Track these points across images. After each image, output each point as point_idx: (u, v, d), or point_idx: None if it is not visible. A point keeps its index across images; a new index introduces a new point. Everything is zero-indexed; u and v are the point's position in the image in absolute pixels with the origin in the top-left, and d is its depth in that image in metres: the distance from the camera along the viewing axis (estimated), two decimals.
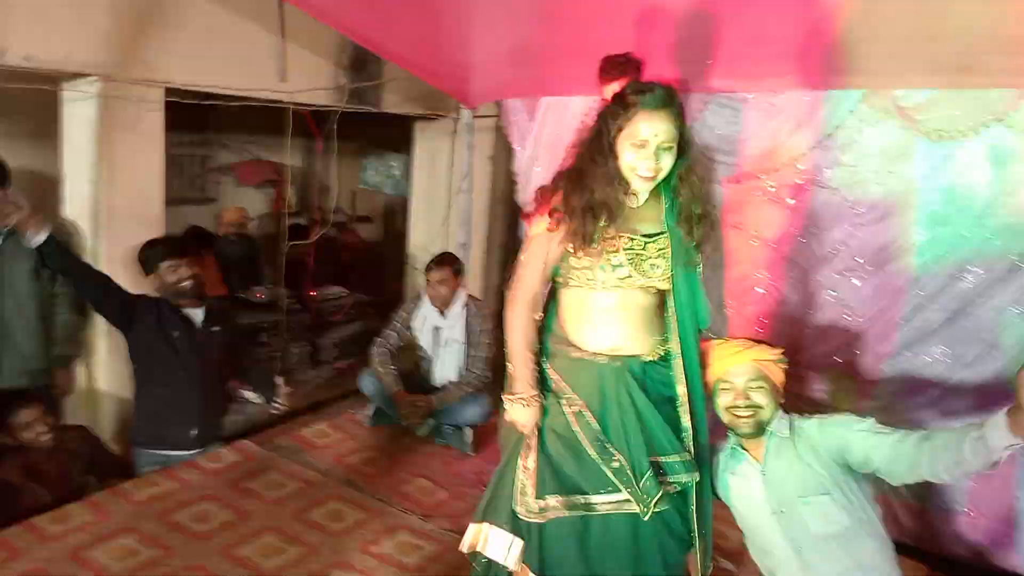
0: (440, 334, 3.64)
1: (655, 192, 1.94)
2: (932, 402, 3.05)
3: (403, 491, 3.08)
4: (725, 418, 1.95)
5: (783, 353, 2.03)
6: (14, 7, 2.76)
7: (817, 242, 3.34)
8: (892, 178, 3.13)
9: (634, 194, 1.91)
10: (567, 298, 2.01)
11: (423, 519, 2.84)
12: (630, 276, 1.91)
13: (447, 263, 3.67)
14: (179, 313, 3.09)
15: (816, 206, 3.33)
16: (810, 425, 1.89)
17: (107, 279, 3.01)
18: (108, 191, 3.24)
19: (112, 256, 3.27)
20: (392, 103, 4.40)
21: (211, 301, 3.24)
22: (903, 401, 3.13)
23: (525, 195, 4.35)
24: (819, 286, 3.37)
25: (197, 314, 3.13)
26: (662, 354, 1.98)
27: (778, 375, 1.95)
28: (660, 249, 1.92)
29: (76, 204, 3.29)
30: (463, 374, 3.63)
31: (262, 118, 3.94)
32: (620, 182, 1.88)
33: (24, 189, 3.09)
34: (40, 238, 2.79)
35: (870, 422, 1.80)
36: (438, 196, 5.02)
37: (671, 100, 1.84)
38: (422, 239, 5.14)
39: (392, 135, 6.02)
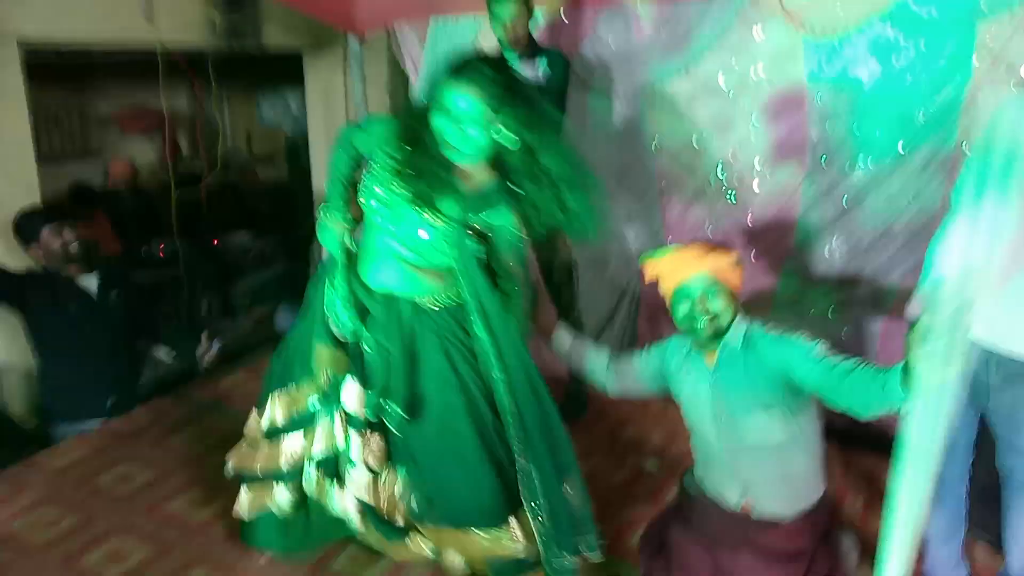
0: None
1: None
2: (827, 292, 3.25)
3: None
4: (683, 326, 1.93)
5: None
6: None
7: (716, 146, 3.43)
8: (781, 78, 3.22)
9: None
10: None
11: None
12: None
13: None
14: (72, 284, 2.94)
15: (712, 111, 3.40)
16: (763, 340, 1.87)
17: None
18: None
19: None
20: (273, 37, 4.20)
21: (105, 265, 3.10)
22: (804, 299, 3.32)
23: None
24: (719, 193, 3.48)
25: (91, 281, 2.99)
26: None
27: (735, 280, 1.93)
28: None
29: None
30: None
31: (140, 62, 3.70)
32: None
33: None
34: None
35: (817, 347, 1.79)
36: (336, 131, 4.87)
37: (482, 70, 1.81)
38: (324, 178, 5.01)
39: (286, 69, 5.77)
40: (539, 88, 2.94)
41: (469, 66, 1.82)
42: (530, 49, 2.97)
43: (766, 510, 1.89)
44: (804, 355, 1.78)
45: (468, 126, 1.82)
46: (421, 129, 1.89)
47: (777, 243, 3.38)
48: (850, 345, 3.12)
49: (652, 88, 3.51)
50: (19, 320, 2.96)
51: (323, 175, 4.95)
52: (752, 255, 3.41)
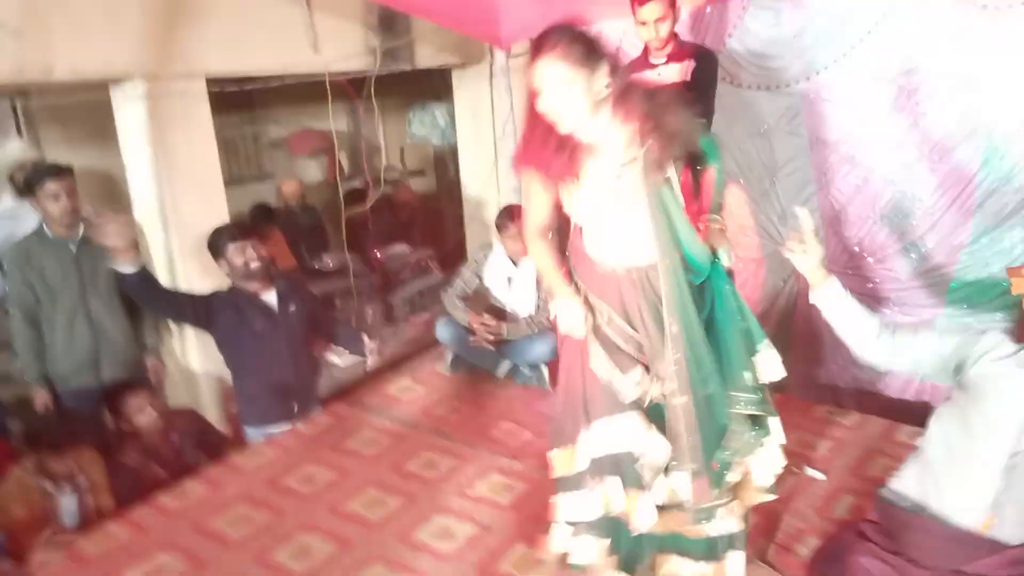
0: (513, 283, 3.72)
1: None
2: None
3: (490, 435, 3.20)
4: None
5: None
6: (54, 25, 2.86)
7: (879, 136, 3.24)
8: (950, 60, 2.99)
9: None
10: None
11: (512, 459, 2.96)
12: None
13: (519, 216, 3.70)
14: (255, 300, 3.19)
15: (874, 99, 3.21)
16: None
17: (178, 299, 3.15)
18: (170, 186, 3.37)
19: (183, 248, 3.43)
20: (425, 57, 4.39)
21: (281, 279, 3.35)
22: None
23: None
24: (884, 181, 3.29)
25: (271, 296, 3.23)
26: None
27: None
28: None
29: (143, 204, 3.45)
30: (534, 315, 3.71)
31: (305, 88, 4.00)
32: None
33: (92, 191, 3.25)
34: (127, 270, 2.87)
35: None
36: (484, 143, 5.02)
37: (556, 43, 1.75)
38: (475, 187, 5.18)
39: (433, 85, 6.02)
40: (687, 86, 2.91)
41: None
42: (677, 49, 2.94)
43: (1004, 532, 1.75)
44: None
45: None
46: None
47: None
48: None
49: (807, 79, 3.37)
50: (210, 336, 3.27)
51: (472, 184, 5.16)
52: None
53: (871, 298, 3.33)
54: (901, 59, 3.11)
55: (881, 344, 1.96)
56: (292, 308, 3.26)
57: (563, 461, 2.07)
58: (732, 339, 1.96)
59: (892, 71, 3.14)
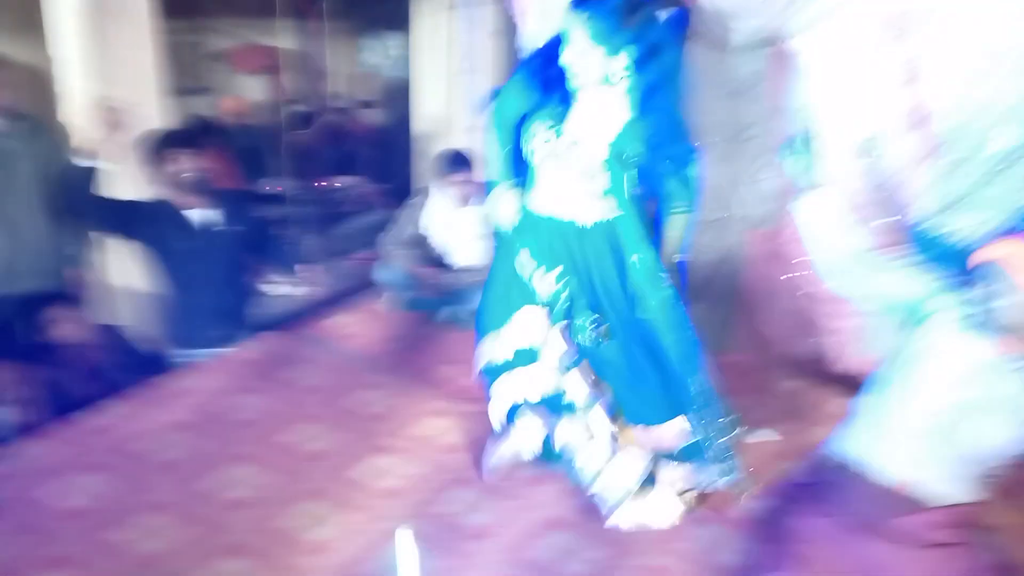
0: (453, 230, 3.63)
1: None
2: None
3: (429, 376, 3.15)
4: None
5: None
6: None
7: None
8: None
9: None
10: None
11: (449, 402, 2.91)
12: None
13: (467, 165, 3.61)
14: (185, 215, 3.02)
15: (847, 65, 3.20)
16: None
17: (109, 204, 2.98)
18: (102, 85, 3.13)
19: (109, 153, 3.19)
20: None
21: (222, 197, 3.18)
22: None
23: None
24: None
25: (204, 213, 3.07)
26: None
27: None
28: None
29: (71, 103, 3.19)
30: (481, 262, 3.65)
31: (248, 2, 3.75)
32: None
33: (14, 83, 2.98)
34: (84, 163, 2.79)
35: None
36: (439, 77, 4.86)
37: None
38: (427, 123, 5.02)
39: (387, 12, 5.76)
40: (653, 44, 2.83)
41: None
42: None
43: (927, 491, 1.74)
44: None
45: None
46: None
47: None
48: None
49: (779, 40, 3.34)
50: (135, 249, 3.08)
51: (424, 120, 5.00)
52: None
53: None
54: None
55: (854, 266, 2.00)
56: (227, 227, 3.10)
57: (491, 348, 2.34)
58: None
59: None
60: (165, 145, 2.99)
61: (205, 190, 3.07)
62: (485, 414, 2.46)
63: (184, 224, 3.01)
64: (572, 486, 2.35)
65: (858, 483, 1.86)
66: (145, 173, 3.03)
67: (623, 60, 2.04)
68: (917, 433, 1.78)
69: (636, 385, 2.21)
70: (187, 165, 2.97)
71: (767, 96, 3.46)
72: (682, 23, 2.87)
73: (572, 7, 2.02)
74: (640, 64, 2.05)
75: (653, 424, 2.24)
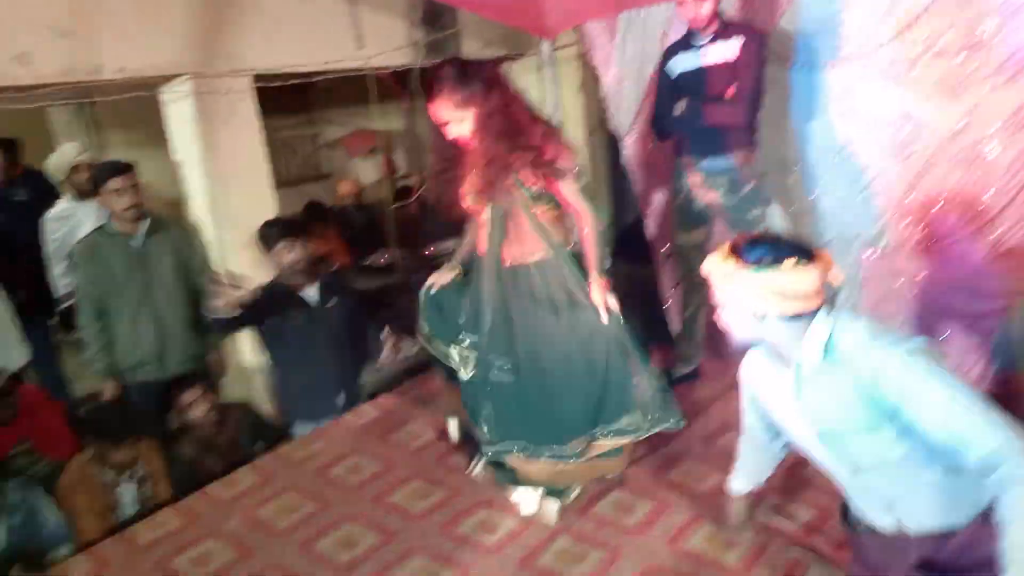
0: None
1: None
2: None
3: None
4: None
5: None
6: (101, 26, 2.97)
7: (943, 116, 3.06)
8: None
9: None
10: None
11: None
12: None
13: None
14: (295, 295, 3.22)
15: (939, 76, 3.04)
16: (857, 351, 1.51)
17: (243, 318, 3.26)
18: (220, 183, 3.46)
19: (233, 242, 3.52)
20: (472, 50, 4.39)
21: (327, 276, 3.38)
22: None
23: (617, 122, 4.24)
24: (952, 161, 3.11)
25: (312, 291, 3.26)
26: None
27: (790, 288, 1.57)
28: None
29: (196, 202, 3.54)
30: None
31: (358, 88, 4.04)
32: None
33: (154, 191, 3.36)
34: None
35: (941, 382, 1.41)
36: None
37: (438, 85, 2.23)
38: None
39: None
40: (732, 68, 2.81)
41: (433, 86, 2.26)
42: (721, 29, 2.85)
43: (916, 524, 1.58)
44: (921, 393, 1.41)
45: None
46: None
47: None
48: None
49: (861, 58, 3.21)
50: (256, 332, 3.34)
51: None
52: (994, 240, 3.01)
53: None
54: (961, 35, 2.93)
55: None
56: (333, 303, 3.29)
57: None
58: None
59: (952, 48, 2.96)
60: (279, 235, 3.23)
61: (318, 272, 3.29)
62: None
63: (294, 304, 3.22)
64: None
65: (864, 540, 1.75)
66: (265, 260, 3.31)
67: None
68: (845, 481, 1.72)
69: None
70: (300, 252, 3.20)
71: (861, 112, 3.32)
72: (757, 45, 2.84)
73: None
74: None
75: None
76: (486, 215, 2.41)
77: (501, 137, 2.24)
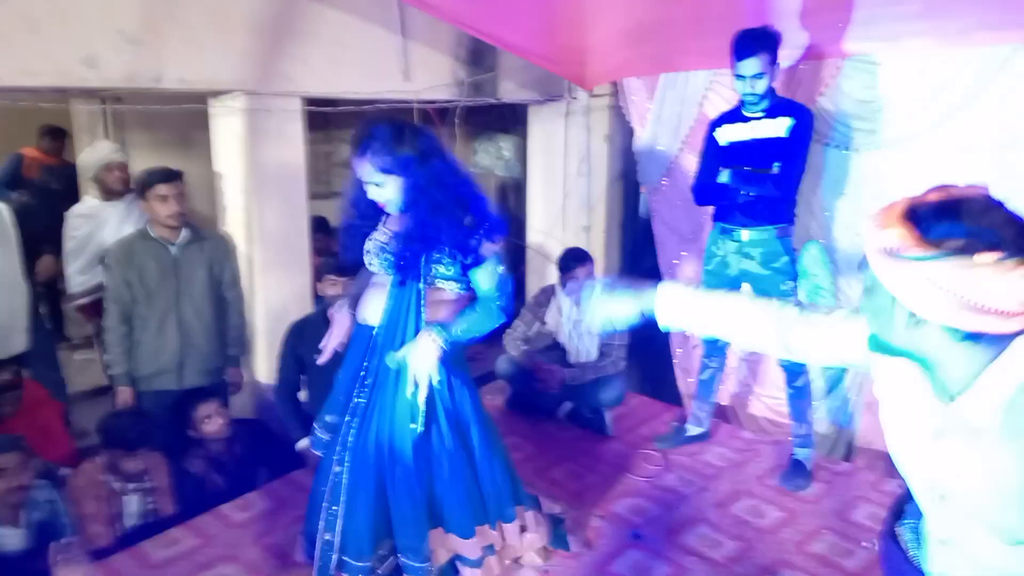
0: (578, 324, 3.70)
1: None
2: None
3: (549, 476, 3.18)
4: None
5: None
6: (167, 36, 2.99)
7: None
8: None
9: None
10: None
11: (570, 507, 2.89)
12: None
13: (588, 259, 3.71)
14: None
15: (972, 169, 3.15)
16: None
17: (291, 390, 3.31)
18: (258, 199, 3.46)
19: (264, 259, 3.51)
20: (509, 91, 4.45)
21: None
22: None
23: (645, 175, 4.33)
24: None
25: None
26: None
27: None
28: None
29: (231, 215, 3.53)
30: (599, 358, 3.68)
31: (384, 112, 4.08)
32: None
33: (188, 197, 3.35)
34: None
35: None
36: (555, 179, 5.05)
37: (369, 144, 2.06)
38: (541, 222, 5.19)
39: (502, 116, 6.09)
40: (781, 143, 2.89)
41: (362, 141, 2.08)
42: (774, 104, 2.93)
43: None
44: None
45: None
46: None
47: None
48: None
49: (897, 144, 3.33)
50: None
51: (537, 219, 5.18)
52: None
53: None
54: (999, 132, 3.05)
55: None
56: None
57: None
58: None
59: (988, 144, 3.08)
60: (324, 270, 3.25)
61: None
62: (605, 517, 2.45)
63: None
64: None
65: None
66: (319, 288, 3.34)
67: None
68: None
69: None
70: (338, 290, 3.15)
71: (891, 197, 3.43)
72: (807, 125, 2.92)
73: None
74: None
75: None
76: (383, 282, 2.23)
77: (428, 213, 2.08)
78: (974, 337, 1.05)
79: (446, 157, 2.15)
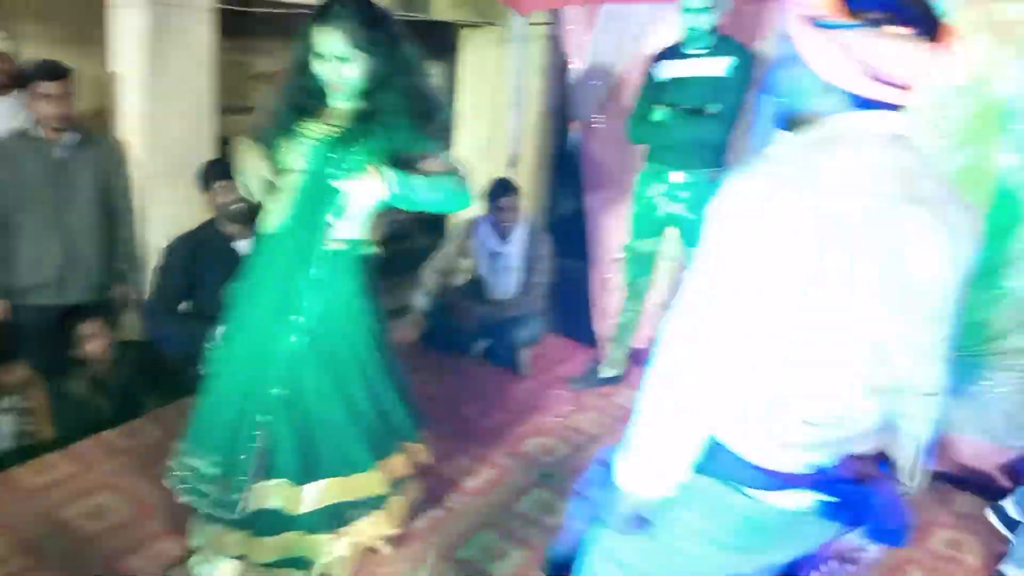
0: (498, 259, 3.60)
1: None
2: None
3: (461, 413, 3.10)
4: None
5: None
6: None
7: None
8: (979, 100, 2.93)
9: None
10: None
11: (477, 444, 2.84)
12: None
13: (515, 191, 3.61)
14: (227, 244, 3.05)
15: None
16: None
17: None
18: (160, 103, 3.17)
19: (161, 170, 3.24)
20: (440, 9, 4.21)
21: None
22: None
23: (580, 110, 4.19)
24: None
25: (245, 246, 3.03)
26: None
27: None
28: None
29: (128, 120, 3.23)
30: (518, 296, 3.60)
31: (302, 22, 3.78)
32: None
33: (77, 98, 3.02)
34: None
35: None
36: (484, 109, 4.86)
37: (341, 14, 1.81)
38: (468, 153, 5.01)
39: (431, 42, 5.80)
40: (720, 83, 2.81)
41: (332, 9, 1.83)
42: (717, 43, 2.84)
43: None
44: None
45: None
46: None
47: None
48: None
49: None
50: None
51: (465, 149, 5.00)
52: None
53: None
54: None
55: None
56: None
57: None
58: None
59: None
60: (214, 175, 3.01)
61: (246, 222, 3.06)
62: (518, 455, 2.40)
63: (224, 253, 3.00)
64: None
65: None
66: (203, 193, 3.08)
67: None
68: None
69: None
70: (238, 195, 2.96)
71: None
72: (748, 67, 2.84)
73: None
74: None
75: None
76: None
77: (389, 106, 1.88)
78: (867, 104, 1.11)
79: (415, 49, 1.95)
